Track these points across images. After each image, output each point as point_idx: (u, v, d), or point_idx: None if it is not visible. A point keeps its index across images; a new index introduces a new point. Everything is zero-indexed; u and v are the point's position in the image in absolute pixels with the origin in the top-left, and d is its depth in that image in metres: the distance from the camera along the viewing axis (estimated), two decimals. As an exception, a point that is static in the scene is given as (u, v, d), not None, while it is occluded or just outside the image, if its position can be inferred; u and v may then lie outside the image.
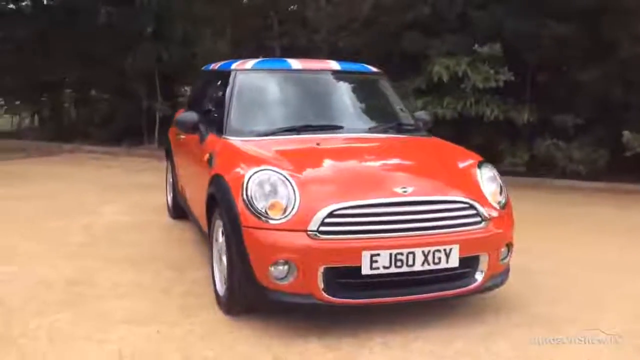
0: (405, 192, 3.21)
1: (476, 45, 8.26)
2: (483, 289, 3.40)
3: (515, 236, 3.57)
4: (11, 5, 12.56)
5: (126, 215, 5.90)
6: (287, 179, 3.21)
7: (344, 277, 3.11)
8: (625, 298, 3.89)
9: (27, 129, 13.55)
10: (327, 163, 3.58)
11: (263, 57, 7.32)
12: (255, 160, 3.45)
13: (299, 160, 3.49)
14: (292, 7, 11.34)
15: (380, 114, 4.45)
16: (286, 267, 3.08)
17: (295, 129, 3.97)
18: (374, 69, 4.78)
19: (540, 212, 6.54)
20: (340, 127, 4.04)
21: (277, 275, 3.09)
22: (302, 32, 9.54)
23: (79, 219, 5.68)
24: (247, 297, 3.31)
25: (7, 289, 3.82)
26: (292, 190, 3.17)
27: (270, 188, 3.19)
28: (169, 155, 5.96)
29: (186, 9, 10.97)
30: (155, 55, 10.90)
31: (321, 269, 3.06)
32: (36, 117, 13.61)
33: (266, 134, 3.91)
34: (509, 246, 3.50)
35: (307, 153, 3.70)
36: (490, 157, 9.00)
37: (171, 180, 5.82)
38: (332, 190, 3.22)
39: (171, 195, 5.83)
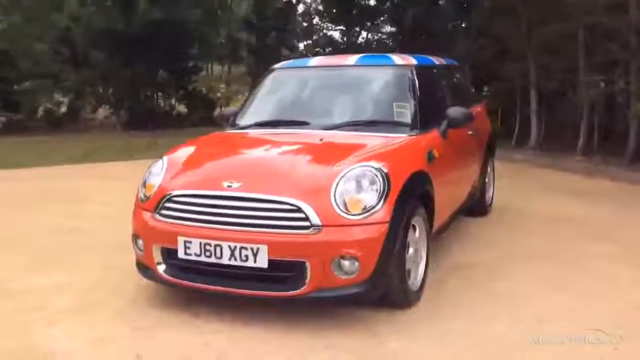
0: (230, 187, 3.26)
1: None
2: (308, 299, 3.14)
3: None
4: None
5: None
6: (163, 165, 3.65)
7: (173, 259, 3.39)
8: None
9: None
10: (213, 155, 3.80)
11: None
12: (176, 149, 3.96)
13: (196, 151, 3.85)
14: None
15: (364, 109, 4.15)
16: (140, 241, 3.54)
17: (263, 124, 4.25)
18: (399, 61, 4.41)
19: None
20: (307, 123, 4.08)
21: (138, 247, 3.59)
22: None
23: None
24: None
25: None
26: (161, 175, 3.59)
27: (157, 172, 3.67)
28: None
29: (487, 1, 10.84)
30: (466, 49, 11.29)
31: (157, 247, 3.43)
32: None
33: (244, 128, 4.31)
34: (358, 260, 3.08)
35: (215, 145, 4.03)
36: None
37: None
38: (184, 179, 3.52)
39: None
